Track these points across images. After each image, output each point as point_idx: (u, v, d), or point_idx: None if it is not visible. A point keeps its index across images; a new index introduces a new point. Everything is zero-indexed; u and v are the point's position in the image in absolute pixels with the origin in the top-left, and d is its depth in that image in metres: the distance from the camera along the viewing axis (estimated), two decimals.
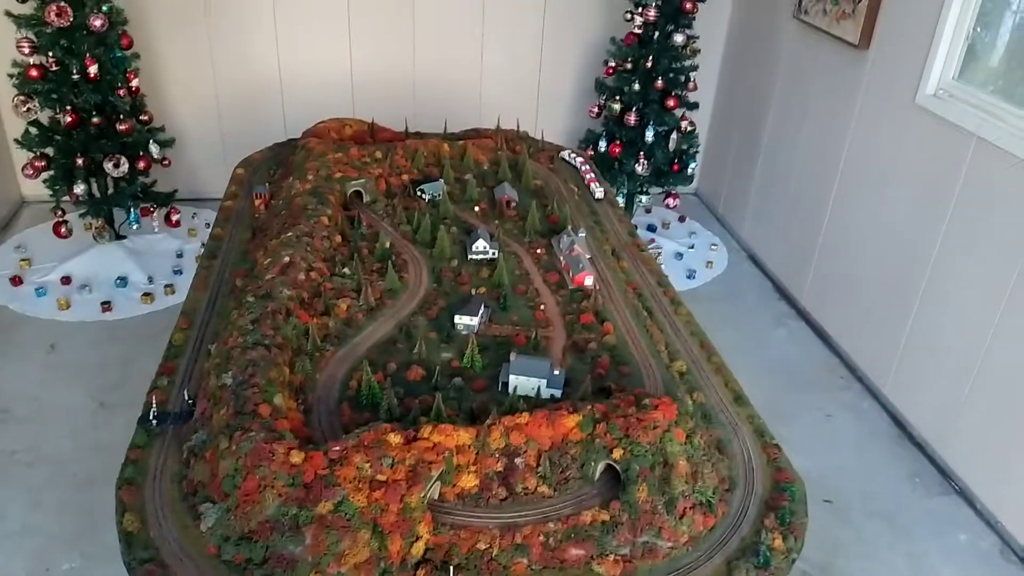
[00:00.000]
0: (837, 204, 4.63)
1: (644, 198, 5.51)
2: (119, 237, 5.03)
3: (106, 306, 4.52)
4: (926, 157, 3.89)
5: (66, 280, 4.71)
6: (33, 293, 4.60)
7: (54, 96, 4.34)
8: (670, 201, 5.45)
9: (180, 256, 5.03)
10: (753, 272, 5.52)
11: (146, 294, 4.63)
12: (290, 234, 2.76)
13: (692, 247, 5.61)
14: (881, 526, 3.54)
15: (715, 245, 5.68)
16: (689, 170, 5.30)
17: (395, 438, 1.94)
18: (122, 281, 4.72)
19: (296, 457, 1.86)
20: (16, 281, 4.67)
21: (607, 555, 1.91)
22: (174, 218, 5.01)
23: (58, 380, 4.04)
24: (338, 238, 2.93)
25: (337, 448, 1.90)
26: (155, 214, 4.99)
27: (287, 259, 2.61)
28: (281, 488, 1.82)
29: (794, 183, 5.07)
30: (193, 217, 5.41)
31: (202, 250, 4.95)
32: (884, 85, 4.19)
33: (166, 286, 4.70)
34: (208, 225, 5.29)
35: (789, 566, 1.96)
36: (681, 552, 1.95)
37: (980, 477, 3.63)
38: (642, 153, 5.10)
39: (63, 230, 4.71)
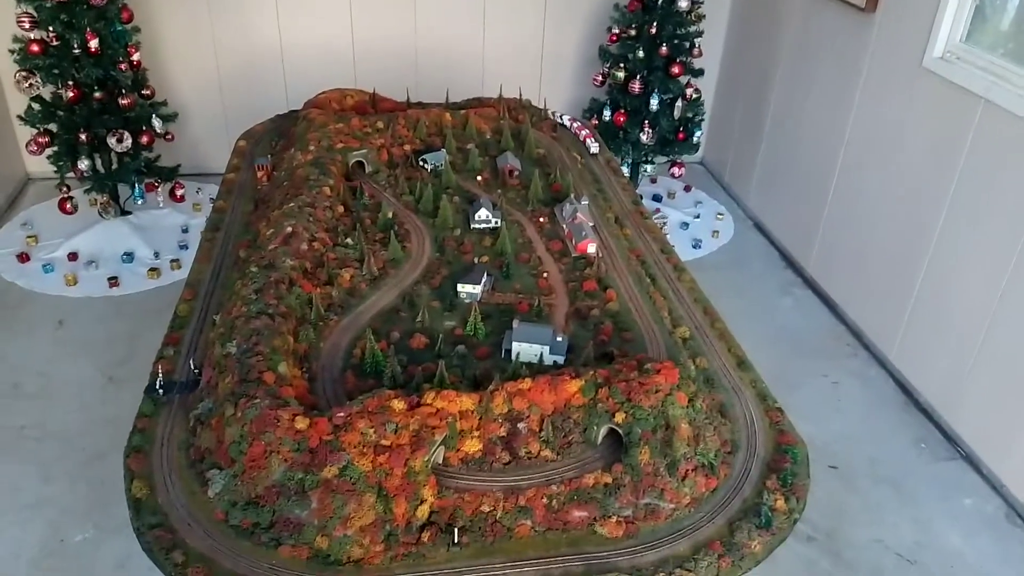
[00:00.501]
0: (844, 170, 4.60)
1: (649, 167, 5.48)
2: (124, 213, 5.04)
3: (113, 281, 4.54)
4: (933, 121, 3.85)
5: (73, 256, 4.73)
6: (40, 269, 4.63)
7: (55, 71, 4.34)
8: (675, 170, 5.41)
9: (185, 231, 5.05)
10: (759, 241, 5.49)
11: (152, 269, 4.64)
12: (292, 204, 2.76)
13: (698, 216, 5.59)
14: (887, 491, 3.56)
15: (721, 214, 5.65)
16: (694, 138, 5.26)
17: (399, 404, 1.96)
18: (128, 256, 4.74)
19: (301, 423, 1.88)
20: (23, 258, 4.69)
21: (610, 516, 1.93)
22: (179, 193, 5.02)
23: (66, 355, 4.07)
24: (340, 208, 2.93)
25: (341, 414, 1.91)
26: (160, 189, 5.00)
27: (289, 229, 2.62)
28: (287, 453, 1.84)
29: (801, 150, 5.03)
30: (198, 192, 5.41)
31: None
32: (891, 48, 4.14)
33: (172, 261, 4.72)
34: (212, 200, 5.31)
35: (791, 526, 1.97)
36: (683, 513, 1.97)
37: (986, 442, 3.64)
38: (647, 122, 5.07)
39: (68, 206, 4.73)
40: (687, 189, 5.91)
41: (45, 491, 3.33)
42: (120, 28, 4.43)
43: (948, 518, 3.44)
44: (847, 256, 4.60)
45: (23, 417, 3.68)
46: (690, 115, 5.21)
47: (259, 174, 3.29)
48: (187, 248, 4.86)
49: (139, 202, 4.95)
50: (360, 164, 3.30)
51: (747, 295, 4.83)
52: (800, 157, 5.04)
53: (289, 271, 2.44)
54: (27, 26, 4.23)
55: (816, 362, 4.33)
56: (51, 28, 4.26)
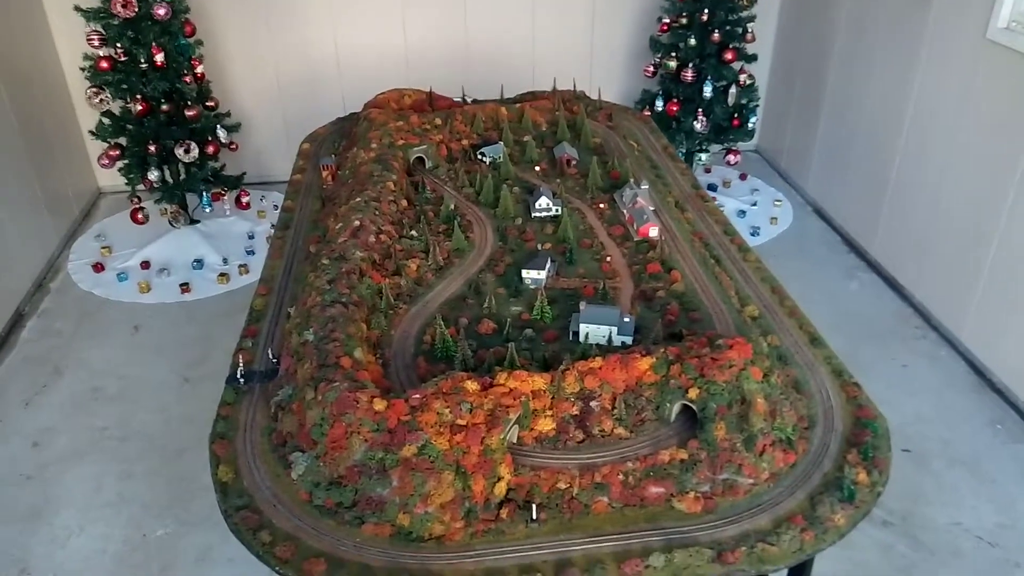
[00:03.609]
0: (907, 150, 4.50)
1: (704, 156, 5.43)
2: (193, 221, 5.20)
3: (184, 287, 4.69)
4: (1000, 93, 3.75)
5: (145, 264, 4.90)
6: (115, 278, 4.80)
7: (124, 86, 4.51)
8: (731, 157, 5.36)
9: (251, 237, 5.19)
10: (820, 226, 5.40)
11: (222, 274, 4.78)
12: (359, 200, 2.82)
13: (755, 204, 5.52)
14: (963, 474, 3.47)
15: (779, 201, 5.57)
16: (749, 124, 5.21)
17: (472, 385, 1.99)
18: (198, 263, 4.89)
19: (379, 404, 1.92)
20: (98, 268, 4.87)
21: (687, 492, 1.92)
22: (244, 200, 5.15)
23: (143, 359, 4.22)
24: (404, 202, 2.99)
25: (417, 396, 1.95)
26: (226, 197, 5.14)
27: (357, 223, 2.67)
28: (367, 434, 1.88)
29: (861, 131, 4.93)
30: (262, 199, 5.55)
31: (272, 231, 5.10)
32: (952, 22, 4.04)
33: (240, 266, 4.85)
34: (276, 207, 5.45)
35: (874, 499, 1.94)
36: (762, 488, 1.95)
37: None
38: (700, 110, 5.04)
39: (140, 216, 4.90)
40: (743, 177, 5.85)
41: (127, 489, 3.45)
42: (184, 42, 4.58)
43: None
44: (913, 237, 4.49)
45: (104, 419, 3.82)
46: (744, 101, 5.16)
47: (324, 174, 3.37)
48: (254, 253, 4.99)
49: (207, 211, 5.11)
50: (420, 160, 3.36)
51: (810, 281, 4.75)
52: (860, 138, 4.94)
53: (359, 262, 2.50)
54: (96, 44, 4.40)
55: (884, 345, 4.24)
56: (119, 45, 4.42)
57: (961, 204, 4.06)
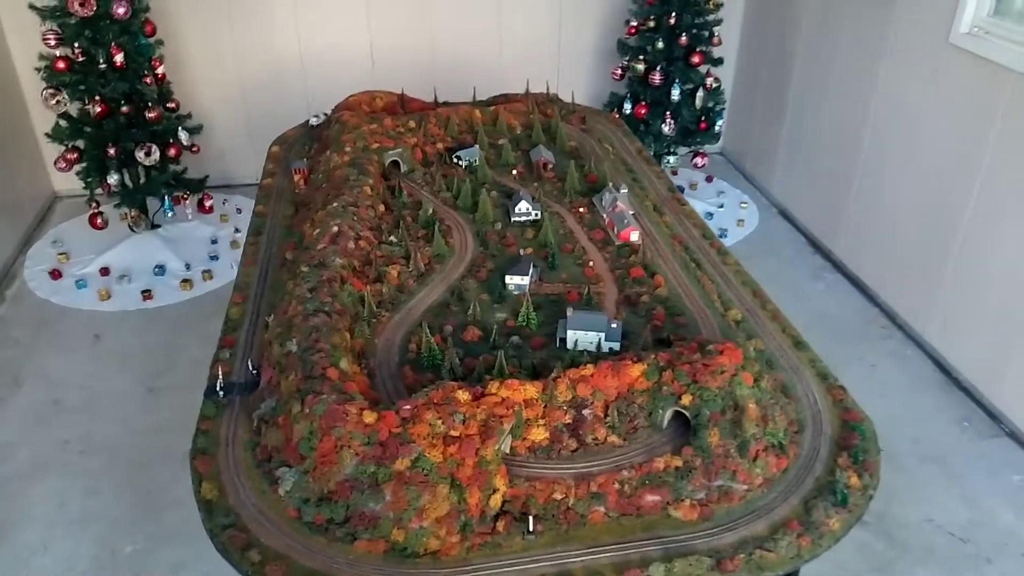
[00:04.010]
0: (870, 152, 4.57)
1: (672, 159, 5.46)
2: (154, 226, 5.06)
3: (146, 294, 4.56)
4: (962, 97, 3.83)
5: (105, 271, 4.75)
6: (73, 285, 4.65)
7: (82, 87, 4.37)
8: (698, 160, 5.40)
9: (215, 242, 5.06)
10: (785, 228, 5.47)
11: (185, 281, 4.66)
12: (336, 205, 2.76)
13: (721, 206, 5.57)
14: (934, 471, 3.53)
15: (745, 203, 5.63)
16: (716, 127, 5.25)
17: (463, 395, 1.95)
18: (160, 269, 4.76)
19: (369, 417, 1.87)
20: (55, 275, 4.71)
21: (683, 500, 1.91)
22: (207, 204, 5.03)
23: (105, 369, 4.09)
24: (381, 207, 2.93)
25: (408, 407, 1.91)
26: (188, 201, 5.01)
27: (336, 229, 2.62)
28: (358, 447, 1.83)
29: (825, 133, 5.00)
30: (224, 203, 5.43)
31: (236, 235, 4.99)
32: (915, 26, 4.12)
33: (204, 272, 4.73)
34: (239, 210, 5.34)
35: (867, 503, 1.96)
36: (756, 494, 1.95)
37: None
38: (668, 113, 5.06)
39: (99, 221, 4.75)
40: (709, 180, 5.90)
41: (93, 504, 3.34)
42: (144, 42, 4.46)
43: (998, 496, 3.41)
44: (876, 238, 4.57)
45: (66, 432, 3.69)
46: (711, 104, 5.20)
47: (296, 177, 3.30)
48: (217, 259, 4.87)
49: (168, 215, 4.98)
50: (395, 163, 3.30)
51: (778, 282, 4.73)
52: (824, 140, 5.01)
53: (339, 269, 2.44)
54: (52, 43, 4.26)
55: (852, 346, 4.30)
56: (76, 44, 4.28)
57: (924, 205, 4.14)
